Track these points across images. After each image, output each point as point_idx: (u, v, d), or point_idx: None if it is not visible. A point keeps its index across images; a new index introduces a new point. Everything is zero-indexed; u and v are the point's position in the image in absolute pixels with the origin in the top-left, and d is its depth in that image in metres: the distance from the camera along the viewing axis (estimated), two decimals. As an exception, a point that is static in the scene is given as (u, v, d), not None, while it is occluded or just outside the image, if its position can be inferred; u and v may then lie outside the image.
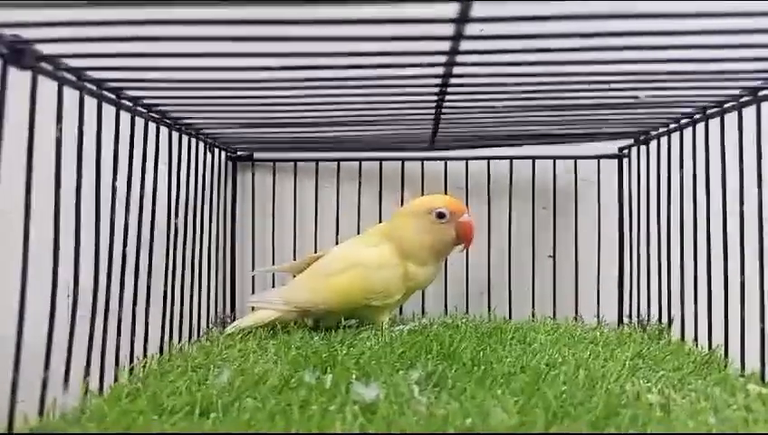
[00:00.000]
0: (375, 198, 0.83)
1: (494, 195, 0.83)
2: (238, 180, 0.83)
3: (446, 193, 0.80)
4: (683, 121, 0.63)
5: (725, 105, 0.55)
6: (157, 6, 0.33)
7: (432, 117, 0.60)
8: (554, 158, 0.81)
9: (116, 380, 0.50)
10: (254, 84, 0.48)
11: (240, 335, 0.66)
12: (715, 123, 0.57)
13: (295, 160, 0.83)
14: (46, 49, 0.39)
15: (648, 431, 0.37)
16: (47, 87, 0.42)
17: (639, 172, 0.75)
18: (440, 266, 0.73)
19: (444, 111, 0.57)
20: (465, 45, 0.40)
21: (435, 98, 0.53)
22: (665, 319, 0.68)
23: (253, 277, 0.83)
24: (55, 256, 0.43)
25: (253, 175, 0.83)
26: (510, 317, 0.79)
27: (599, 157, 0.81)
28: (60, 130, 0.43)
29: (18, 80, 0.38)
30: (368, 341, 0.61)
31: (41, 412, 0.40)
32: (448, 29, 0.37)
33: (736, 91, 0.52)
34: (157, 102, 0.54)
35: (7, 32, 0.36)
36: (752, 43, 0.42)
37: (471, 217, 0.69)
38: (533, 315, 0.80)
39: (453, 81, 0.47)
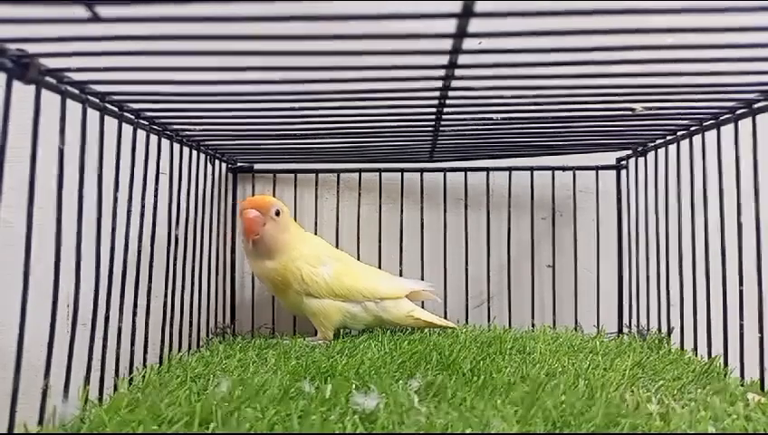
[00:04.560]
0: (375, 208, 0.83)
1: (494, 206, 0.83)
2: (238, 192, 0.83)
3: (444, 204, 0.81)
4: (680, 133, 0.64)
5: (721, 117, 0.55)
6: (158, 22, 0.34)
7: (431, 129, 0.60)
8: (553, 169, 0.81)
9: (115, 389, 0.50)
10: (254, 96, 0.48)
11: (239, 346, 0.67)
12: (711, 135, 0.57)
13: (295, 172, 0.84)
14: (50, 63, 0.40)
15: (647, 441, 0.37)
16: (50, 99, 0.42)
17: (638, 183, 0.76)
18: (279, 262, 0.70)
19: (443, 123, 0.57)
20: (463, 59, 0.40)
21: (434, 110, 0.53)
22: (664, 328, 0.69)
23: (252, 289, 0.83)
24: (57, 266, 0.43)
25: (253, 186, 0.84)
26: (510, 327, 0.79)
27: (597, 168, 0.81)
28: (63, 142, 0.43)
29: (21, 92, 0.38)
30: (368, 350, 0.61)
31: (40, 421, 0.40)
32: (447, 43, 0.38)
33: (732, 104, 0.52)
34: (158, 115, 0.55)
35: (12, 46, 0.36)
36: (747, 57, 0.42)
37: (255, 212, 0.68)
38: (533, 325, 0.80)
39: (451, 93, 0.48)
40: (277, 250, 0.70)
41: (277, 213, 0.70)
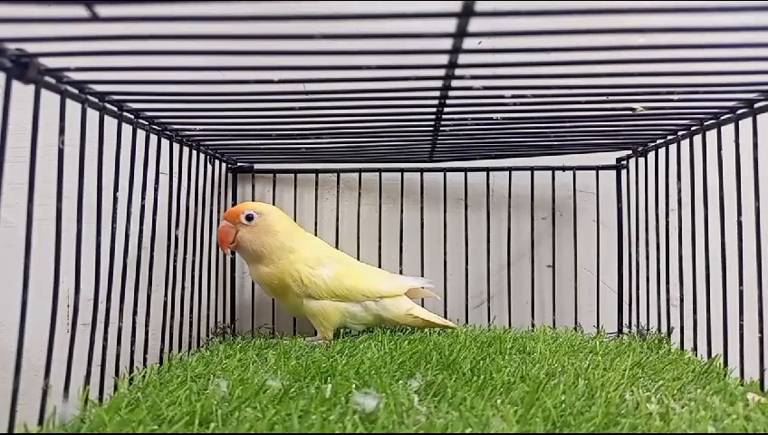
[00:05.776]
0: (375, 208, 0.83)
1: (494, 206, 0.83)
2: (238, 192, 0.83)
3: (444, 204, 0.81)
4: (680, 133, 0.64)
5: (722, 117, 0.55)
6: (158, 22, 0.34)
7: (431, 129, 0.60)
8: (553, 169, 0.81)
9: (116, 389, 0.50)
10: (253, 96, 0.48)
11: (239, 346, 0.67)
12: (712, 135, 0.57)
13: (295, 172, 0.83)
14: (49, 63, 0.40)
15: (647, 441, 0.37)
16: (49, 99, 0.42)
17: (638, 183, 0.76)
18: (275, 267, 0.70)
19: (443, 123, 0.57)
20: (463, 59, 0.40)
21: (434, 110, 0.53)
22: (664, 328, 0.68)
23: (252, 289, 0.83)
24: (56, 266, 0.43)
25: (253, 186, 0.84)
26: (510, 327, 0.79)
27: (597, 168, 0.81)
28: (62, 142, 0.43)
29: (21, 92, 0.38)
30: (368, 350, 0.61)
31: (40, 421, 0.40)
32: (447, 43, 0.38)
33: (733, 103, 0.52)
34: (158, 115, 0.55)
35: (11, 46, 0.36)
36: (747, 57, 0.42)
37: (225, 223, 0.71)
38: (533, 325, 0.80)
39: (451, 93, 0.48)
40: (265, 254, 0.70)
41: (249, 217, 0.70)
